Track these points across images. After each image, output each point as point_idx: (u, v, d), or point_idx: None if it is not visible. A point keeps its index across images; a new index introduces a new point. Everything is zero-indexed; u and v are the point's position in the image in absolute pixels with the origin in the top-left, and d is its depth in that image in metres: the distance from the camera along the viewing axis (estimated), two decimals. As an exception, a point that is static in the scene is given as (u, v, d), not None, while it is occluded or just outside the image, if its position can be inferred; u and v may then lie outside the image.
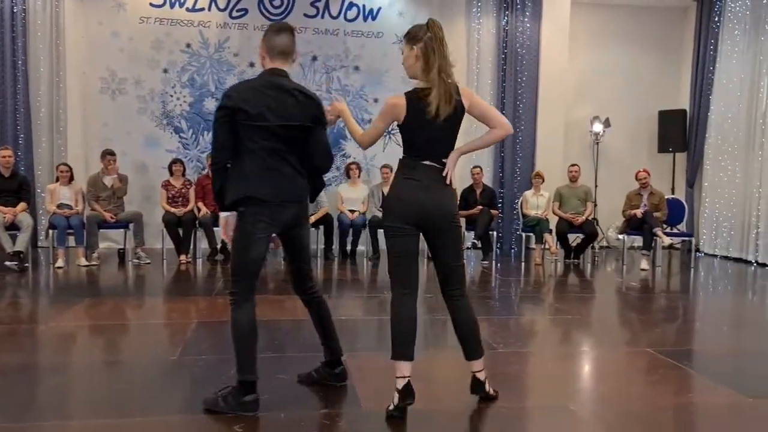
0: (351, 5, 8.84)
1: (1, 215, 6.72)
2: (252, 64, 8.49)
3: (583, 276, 7.32)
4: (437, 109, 2.71)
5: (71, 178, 7.37)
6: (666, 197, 8.17)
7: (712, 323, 5.07)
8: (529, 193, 8.46)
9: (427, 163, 2.80)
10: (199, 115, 8.60)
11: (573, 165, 8.43)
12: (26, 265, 6.81)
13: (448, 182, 2.84)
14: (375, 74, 8.93)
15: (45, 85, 8.23)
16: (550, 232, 8.07)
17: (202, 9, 8.55)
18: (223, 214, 2.88)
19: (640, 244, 7.84)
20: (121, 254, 7.70)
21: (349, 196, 8.24)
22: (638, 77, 9.84)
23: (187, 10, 8.53)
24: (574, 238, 8.24)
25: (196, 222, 7.53)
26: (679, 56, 9.93)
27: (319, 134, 2.90)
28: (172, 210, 7.54)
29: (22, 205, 6.95)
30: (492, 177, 9.05)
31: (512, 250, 9.05)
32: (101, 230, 7.37)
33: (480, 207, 7.92)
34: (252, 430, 2.66)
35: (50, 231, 7.14)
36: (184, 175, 7.82)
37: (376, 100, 8.93)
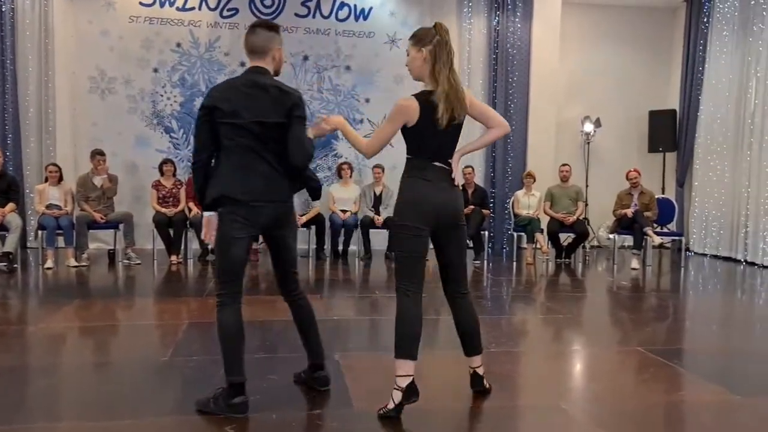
0: (342, 5, 8.83)
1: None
2: (243, 64, 8.44)
3: (574, 275, 7.35)
4: (447, 111, 2.75)
5: (60, 179, 7.32)
6: (656, 197, 8.21)
7: (701, 322, 5.10)
8: (520, 193, 8.48)
9: (437, 164, 2.84)
10: (189, 115, 8.56)
11: (564, 165, 8.46)
12: (15, 266, 6.76)
13: (456, 183, 2.89)
14: (366, 74, 8.92)
15: (34, 84, 8.17)
16: (542, 231, 8.10)
17: (193, 8, 8.52)
18: (205, 214, 2.91)
19: (631, 243, 7.88)
20: (111, 255, 7.65)
21: (341, 196, 8.23)
22: (629, 77, 9.89)
23: (178, 9, 8.49)
24: (566, 238, 8.27)
25: (187, 222, 7.50)
26: (668, 56, 9.99)
27: (294, 129, 2.79)
28: (163, 210, 7.50)
29: (10, 205, 6.89)
30: (483, 177, 9.07)
31: (504, 250, 9.07)
32: (91, 231, 7.32)
33: (472, 207, 7.93)
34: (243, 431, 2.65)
35: (39, 231, 7.09)
36: (174, 175, 7.79)
37: (367, 100, 8.93)
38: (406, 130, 2.82)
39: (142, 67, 8.46)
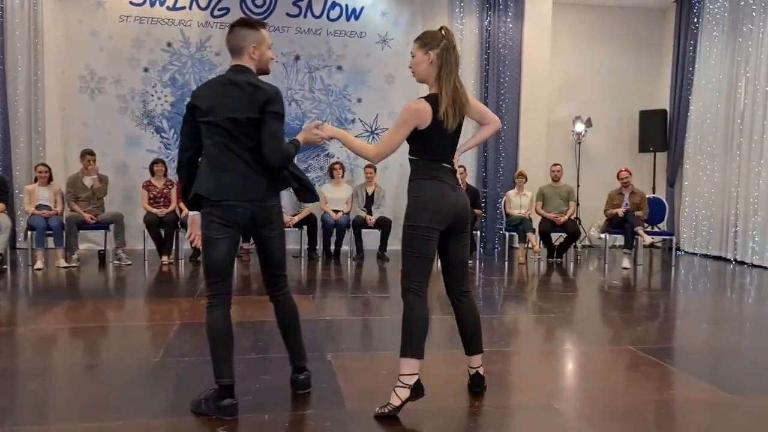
0: (334, 5, 8.82)
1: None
2: (234, 64, 8.43)
3: (565, 275, 7.37)
4: (455, 115, 2.81)
5: (50, 179, 7.27)
6: (647, 196, 8.25)
7: (692, 321, 5.12)
8: (512, 193, 8.50)
9: (445, 165, 2.88)
10: (180, 115, 8.45)
11: (555, 165, 8.49)
12: (4, 267, 6.72)
13: (461, 183, 2.94)
14: (358, 74, 8.92)
15: (23, 84, 8.11)
16: (533, 231, 8.12)
17: (183, 8, 8.49)
18: (190, 214, 2.92)
19: (622, 242, 7.92)
20: (102, 255, 7.61)
21: (333, 196, 8.22)
22: (619, 77, 9.94)
23: (168, 8, 8.45)
24: (557, 238, 8.30)
25: (178, 222, 7.46)
26: (659, 57, 10.04)
27: (268, 124, 2.72)
28: (154, 210, 7.47)
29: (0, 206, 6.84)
30: (475, 177, 9.09)
31: (495, 250, 9.09)
32: (81, 231, 7.28)
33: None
34: (236, 432, 2.65)
35: (29, 232, 7.04)
36: (165, 175, 7.75)
37: (359, 100, 8.93)
38: (415, 133, 2.83)
39: (133, 66, 8.42)
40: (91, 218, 7.16)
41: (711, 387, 3.29)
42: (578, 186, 9.53)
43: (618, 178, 8.09)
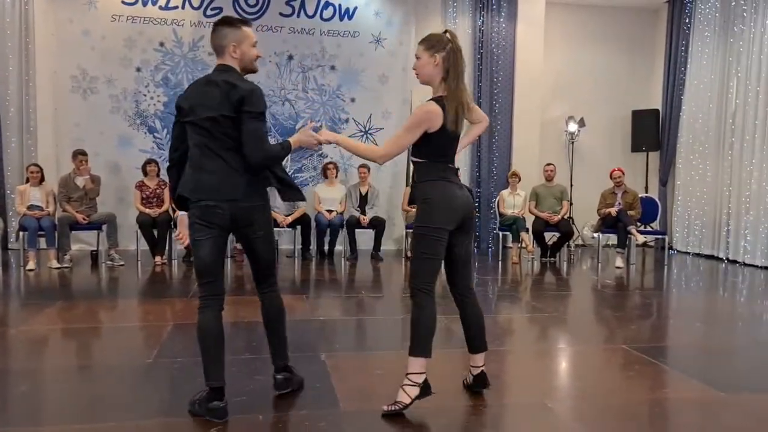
0: (327, 4, 8.81)
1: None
2: (227, 64, 8.40)
3: (559, 274, 7.39)
4: (463, 116, 2.87)
5: (42, 179, 7.23)
6: (640, 196, 8.28)
7: (685, 320, 5.14)
8: (505, 192, 8.52)
9: (450, 165, 2.94)
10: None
11: (548, 164, 8.51)
12: (-4, 267, 6.68)
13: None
14: (351, 74, 8.91)
15: (14, 84, 8.06)
16: (527, 230, 8.14)
17: (176, 7, 8.45)
18: (179, 214, 2.93)
19: (615, 242, 7.95)
20: (94, 256, 7.57)
21: (327, 196, 8.21)
22: (612, 77, 9.97)
23: (160, 8, 8.42)
24: (551, 237, 8.32)
25: (171, 223, 7.43)
26: (651, 56, 10.08)
27: (246, 125, 2.67)
28: (147, 211, 7.44)
29: (-9, 206, 6.81)
30: (469, 176, 9.10)
31: (489, 249, 9.11)
32: (73, 232, 7.25)
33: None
34: (229, 433, 2.64)
35: (21, 233, 7.00)
36: (158, 175, 7.72)
37: (353, 100, 8.92)
38: (424, 136, 2.84)
39: (125, 66, 8.38)
40: (84, 218, 7.13)
41: (704, 385, 3.30)
42: (571, 185, 9.56)
43: (611, 177, 8.12)
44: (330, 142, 3.01)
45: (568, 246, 8.59)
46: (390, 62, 8.95)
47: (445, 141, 2.87)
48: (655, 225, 8.83)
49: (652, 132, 9.68)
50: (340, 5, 8.84)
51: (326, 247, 8.20)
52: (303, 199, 3.04)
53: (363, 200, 8.25)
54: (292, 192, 2.92)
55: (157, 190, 7.62)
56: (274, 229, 7.58)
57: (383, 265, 7.64)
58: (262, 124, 2.71)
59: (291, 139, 2.89)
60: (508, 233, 8.24)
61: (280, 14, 8.69)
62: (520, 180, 8.41)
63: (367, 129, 8.96)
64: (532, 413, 2.94)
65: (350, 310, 5.27)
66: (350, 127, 8.88)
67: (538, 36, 9.29)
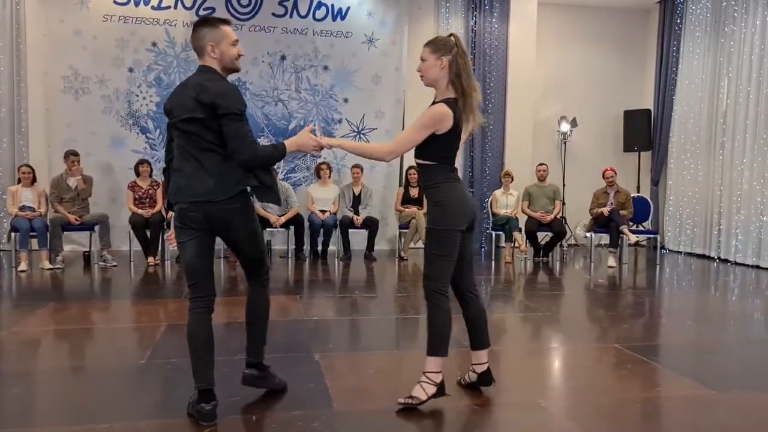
0: (320, 5, 8.81)
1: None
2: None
3: (552, 274, 7.41)
4: (472, 120, 2.92)
5: (33, 180, 7.20)
6: (632, 195, 8.32)
7: (677, 318, 5.17)
8: (498, 192, 8.54)
9: (455, 167, 3.01)
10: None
11: (541, 164, 8.53)
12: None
13: None
14: (344, 74, 8.91)
15: (5, 84, 8.02)
16: (520, 230, 8.16)
17: (168, 7, 8.42)
18: (171, 214, 2.98)
19: (607, 241, 7.98)
20: (87, 257, 7.54)
21: (320, 196, 8.21)
22: (604, 77, 10.01)
23: (153, 8, 8.39)
24: (543, 237, 8.34)
25: (164, 223, 7.41)
26: (643, 57, 10.13)
27: (225, 128, 2.63)
28: (140, 211, 7.42)
29: (-18, 207, 6.77)
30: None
31: (482, 249, 9.13)
32: (65, 232, 7.22)
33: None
34: (223, 433, 2.64)
35: (12, 234, 6.96)
36: (151, 175, 7.70)
37: (345, 100, 8.92)
38: (433, 138, 2.87)
39: (117, 66, 8.35)
40: (76, 219, 7.10)
41: (696, 384, 3.33)
42: (564, 185, 9.59)
43: (603, 177, 8.15)
44: (332, 147, 3.02)
45: (561, 246, 8.62)
46: (383, 62, 8.96)
47: (453, 143, 2.92)
48: (647, 224, 8.87)
49: (644, 132, 9.72)
50: (332, 5, 8.84)
51: (319, 248, 8.20)
52: (278, 203, 3.00)
53: (356, 200, 8.25)
54: (268, 195, 2.82)
55: (150, 191, 7.60)
56: (268, 229, 7.70)
57: (377, 265, 7.65)
58: (241, 124, 2.65)
59: (287, 142, 2.85)
60: (501, 233, 8.26)
61: (273, 14, 8.67)
62: (512, 180, 8.44)
63: (360, 129, 8.96)
64: (526, 412, 2.95)
65: (344, 310, 5.27)
66: (343, 128, 8.88)
67: (531, 36, 9.32)
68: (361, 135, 8.94)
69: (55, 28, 8.17)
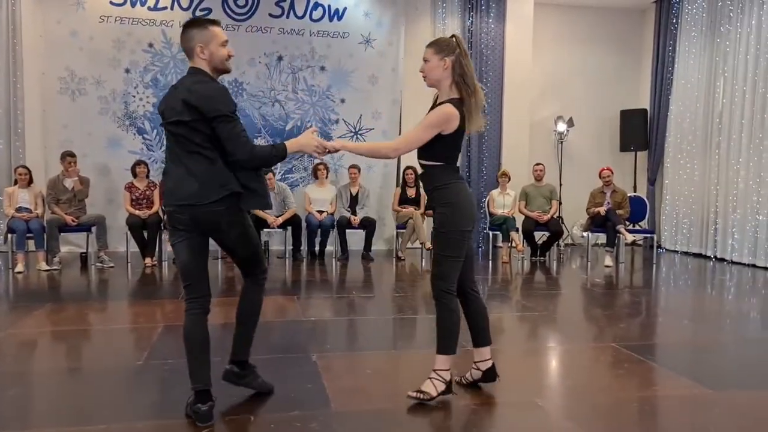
0: (316, 5, 8.81)
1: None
2: (216, 64, 8.38)
3: (549, 273, 7.42)
4: (473, 119, 2.93)
5: (30, 181, 7.19)
6: (628, 195, 8.34)
7: (673, 317, 5.19)
8: (495, 192, 8.55)
9: (458, 166, 3.05)
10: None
11: (538, 164, 8.55)
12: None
13: None
14: (341, 74, 8.91)
15: (2, 85, 8.00)
16: (517, 230, 8.18)
17: (165, 8, 8.41)
18: None
19: (604, 241, 7.99)
20: (84, 258, 7.52)
21: (317, 196, 8.21)
22: (600, 77, 10.03)
23: (149, 9, 8.38)
24: (540, 236, 8.36)
25: (161, 224, 7.41)
26: (639, 57, 10.15)
27: (219, 130, 2.62)
28: (136, 212, 7.41)
29: (-22, 209, 6.76)
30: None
31: (479, 249, 9.13)
32: (62, 234, 7.21)
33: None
34: (221, 434, 2.64)
35: (9, 235, 6.95)
36: (148, 176, 7.69)
37: (342, 101, 8.92)
38: (440, 138, 2.89)
39: (114, 67, 8.34)
40: (73, 220, 7.09)
41: (693, 383, 3.34)
42: (561, 185, 9.61)
43: (600, 176, 8.17)
44: (337, 150, 3.03)
45: (558, 245, 8.63)
46: (380, 63, 8.96)
47: (458, 143, 2.96)
48: (644, 224, 8.89)
49: (640, 131, 9.74)
50: (329, 6, 8.84)
51: (317, 248, 8.20)
52: (263, 207, 2.97)
53: (353, 201, 8.26)
54: (253, 200, 2.77)
55: (147, 192, 7.59)
56: (265, 230, 7.69)
57: (374, 266, 7.65)
58: (233, 125, 2.64)
59: (288, 143, 2.84)
60: (498, 233, 8.28)
61: (270, 15, 8.67)
62: (509, 180, 8.45)
63: (357, 129, 8.96)
64: (523, 412, 2.96)
65: (341, 310, 5.27)
66: (340, 128, 8.88)
67: (527, 36, 9.34)
68: (358, 135, 8.94)
69: (52, 29, 8.16)
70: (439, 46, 2.94)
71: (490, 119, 9.11)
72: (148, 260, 7.28)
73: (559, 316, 5.19)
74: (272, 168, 8.04)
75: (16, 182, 7.20)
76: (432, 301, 3.04)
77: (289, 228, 7.97)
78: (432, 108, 3.03)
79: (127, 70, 8.38)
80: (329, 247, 8.22)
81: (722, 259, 8.24)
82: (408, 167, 8.26)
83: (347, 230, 8.05)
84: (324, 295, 5.97)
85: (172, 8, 8.43)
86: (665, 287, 6.69)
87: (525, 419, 2.88)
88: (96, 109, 8.33)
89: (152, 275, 6.80)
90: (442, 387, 2.97)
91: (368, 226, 8.09)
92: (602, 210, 7.90)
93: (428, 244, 7.79)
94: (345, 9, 8.89)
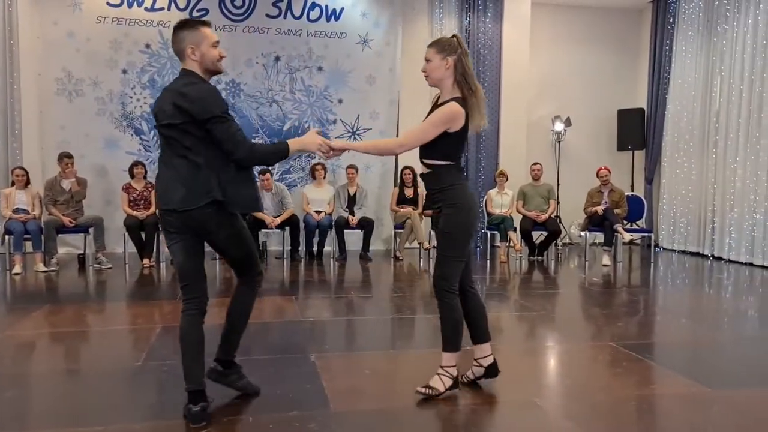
0: (314, 5, 8.80)
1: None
2: (214, 65, 8.37)
3: (547, 272, 7.43)
4: (475, 118, 2.98)
5: (27, 182, 7.18)
6: (626, 194, 8.35)
7: (671, 316, 5.20)
8: (493, 192, 8.55)
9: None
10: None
11: (535, 164, 8.56)
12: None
13: None
14: (339, 74, 8.91)
15: (-2, 87, 8.00)
16: (515, 230, 8.19)
17: (162, 9, 8.40)
18: None
19: (602, 240, 8.00)
20: (81, 259, 7.51)
21: (315, 197, 8.21)
22: (597, 77, 10.04)
23: (146, 9, 8.37)
24: (538, 236, 8.36)
25: (159, 225, 7.39)
26: (636, 56, 10.16)
27: (214, 132, 2.62)
28: (134, 213, 7.40)
29: (-25, 210, 6.74)
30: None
31: (477, 248, 9.14)
32: (60, 235, 7.20)
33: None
34: (220, 435, 2.64)
35: (6, 236, 6.93)
36: (145, 177, 7.68)
37: (340, 101, 8.91)
38: (445, 136, 2.91)
39: (111, 68, 8.33)
40: (70, 222, 7.08)
41: (691, 381, 3.34)
42: (558, 184, 9.61)
43: (597, 176, 8.18)
44: (343, 152, 3.03)
45: (556, 244, 8.65)
46: (377, 63, 8.96)
47: (462, 141, 3.00)
48: (641, 223, 8.90)
49: (638, 131, 9.76)
50: (326, 6, 8.84)
51: (315, 248, 8.19)
52: (252, 210, 2.96)
53: (351, 201, 8.25)
54: (241, 203, 2.76)
55: (145, 193, 7.58)
56: (263, 230, 7.69)
57: (372, 266, 7.65)
58: (228, 125, 2.64)
59: (291, 141, 2.84)
60: (496, 232, 8.28)
61: (267, 15, 8.66)
62: (507, 179, 8.45)
63: (354, 130, 8.96)
64: (522, 411, 2.96)
65: (340, 310, 5.27)
66: (338, 128, 8.88)
67: (524, 36, 9.34)
68: (356, 136, 8.94)
69: (48, 30, 8.14)
70: (441, 45, 2.97)
71: (487, 119, 9.10)
72: (145, 261, 7.27)
73: (558, 315, 5.20)
74: (270, 168, 8.04)
75: (13, 183, 7.18)
76: (431, 300, 3.04)
77: (287, 228, 7.97)
78: (433, 108, 3.03)
79: (124, 71, 8.37)
80: (327, 248, 8.22)
81: (719, 258, 8.25)
82: (406, 167, 8.26)
83: (345, 230, 8.05)
84: (322, 296, 5.97)
85: (168, 9, 8.42)
86: (663, 286, 6.70)
87: (524, 419, 2.89)
88: (93, 110, 8.32)
89: (150, 276, 6.79)
90: (449, 382, 3.03)
91: (366, 226, 8.09)
92: (600, 209, 7.91)
93: (426, 244, 7.80)
94: (342, 9, 8.89)
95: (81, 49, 8.23)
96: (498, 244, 8.23)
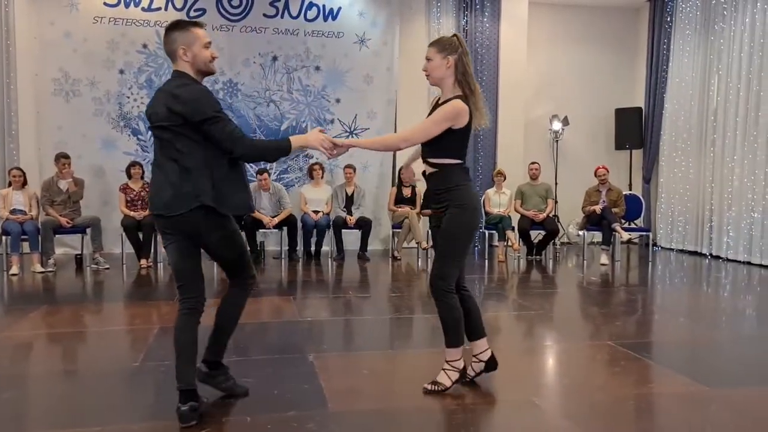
0: (311, 5, 8.79)
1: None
2: (211, 65, 8.35)
3: (545, 272, 7.43)
4: (476, 116, 2.98)
5: (24, 183, 7.16)
6: (624, 193, 8.36)
7: (669, 315, 5.20)
8: (491, 191, 8.55)
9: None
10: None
11: (533, 163, 8.56)
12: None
13: None
14: (336, 74, 8.90)
15: (-5, 87, 7.97)
16: (513, 229, 8.18)
17: (159, 8, 8.39)
18: None
19: (600, 239, 8.00)
20: (79, 260, 7.50)
21: (313, 196, 8.20)
22: (595, 76, 10.04)
23: (143, 9, 8.35)
24: (536, 235, 8.36)
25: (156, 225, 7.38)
26: (634, 55, 10.16)
27: (211, 133, 2.62)
28: (132, 214, 7.39)
29: (-28, 211, 6.73)
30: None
31: (475, 248, 9.13)
32: (57, 235, 7.18)
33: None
34: (218, 435, 2.63)
35: (3, 237, 6.92)
36: (143, 177, 7.66)
37: (338, 100, 8.91)
38: (450, 133, 2.92)
39: (108, 68, 8.31)
40: (68, 222, 7.06)
41: (689, 380, 3.34)
42: (556, 184, 9.61)
43: (595, 175, 8.18)
44: (347, 149, 3.03)
45: (554, 244, 8.65)
46: (375, 62, 8.96)
47: (466, 139, 3.01)
48: (639, 222, 8.90)
49: (635, 130, 9.76)
50: (324, 6, 8.82)
51: (313, 248, 8.18)
52: (243, 212, 2.93)
53: (349, 201, 8.25)
54: (232, 205, 2.74)
55: (142, 193, 7.56)
56: (260, 230, 7.68)
57: (370, 265, 7.65)
58: (223, 124, 2.63)
59: (293, 138, 2.84)
60: (494, 232, 8.28)
61: (264, 15, 8.65)
62: (505, 179, 8.45)
63: (352, 129, 8.95)
64: (520, 410, 2.96)
65: (338, 310, 5.27)
66: (336, 128, 8.87)
67: (522, 35, 9.34)
68: (354, 135, 8.93)
69: (45, 30, 8.12)
70: (442, 45, 2.98)
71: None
72: (143, 261, 7.25)
73: (556, 314, 5.20)
74: (267, 168, 8.03)
75: (10, 184, 7.17)
76: (429, 300, 3.05)
77: (285, 228, 7.96)
78: (433, 108, 3.03)
79: (122, 71, 8.35)
80: (325, 248, 8.21)
81: (717, 257, 8.26)
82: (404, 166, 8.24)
83: (343, 230, 8.04)
84: (320, 296, 5.96)
85: (166, 9, 8.40)
86: (661, 285, 6.71)
87: (522, 418, 2.88)
88: (90, 110, 8.30)
89: (147, 276, 6.78)
90: (455, 376, 3.08)
91: (364, 226, 8.09)
92: (598, 208, 7.91)
93: (424, 244, 7.80)
94: (339, 9, 8.88)
95: (78, 49, 8.20)
96: (496, 243, 8.23)
